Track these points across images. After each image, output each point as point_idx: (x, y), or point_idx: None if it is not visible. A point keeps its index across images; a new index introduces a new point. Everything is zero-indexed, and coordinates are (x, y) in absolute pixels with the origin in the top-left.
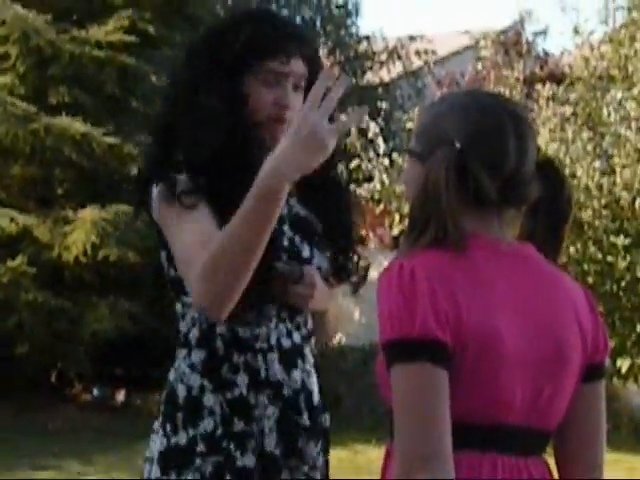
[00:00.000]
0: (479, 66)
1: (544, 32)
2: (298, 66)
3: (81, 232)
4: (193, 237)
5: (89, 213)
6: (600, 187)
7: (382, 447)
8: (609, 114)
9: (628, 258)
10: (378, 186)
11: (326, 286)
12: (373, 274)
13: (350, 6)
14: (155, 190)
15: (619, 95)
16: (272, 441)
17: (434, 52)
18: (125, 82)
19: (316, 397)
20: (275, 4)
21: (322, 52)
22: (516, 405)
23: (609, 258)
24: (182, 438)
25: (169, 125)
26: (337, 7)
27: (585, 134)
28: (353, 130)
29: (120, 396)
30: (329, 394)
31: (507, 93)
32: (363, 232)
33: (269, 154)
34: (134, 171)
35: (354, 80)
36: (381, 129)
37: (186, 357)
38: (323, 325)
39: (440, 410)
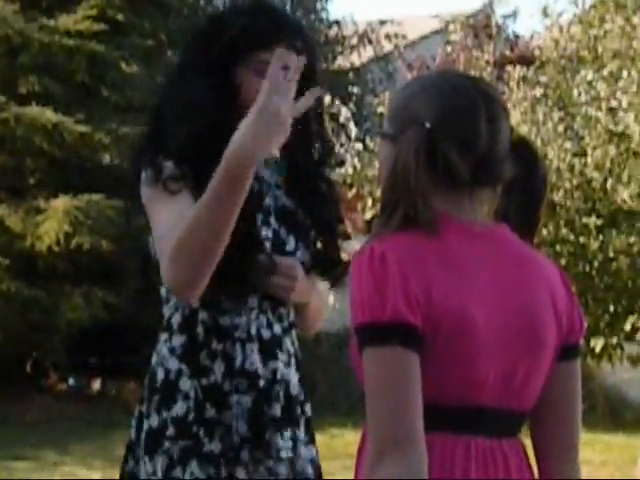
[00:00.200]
0: (449, 49)
1: (514, 14)
2: (291, 58)
3: (53, 221)
4: (168, 219)
5: (61, 202)
6: (571, 168)
7: (358, 431)
8: (579, 95)
9: (600, 238)
10: (350, 170)
11: (310, 280)
12: (347, 258)
13: None
14: (143, 175)
15: (589, 76)
16: (242, 430)
17: (404, 36)
18: (95, 70)
19: (295, 388)
20: None
21: None
22: (489, 386)
23: (581, 239)
24: (154, 421)
25: (159, 114)
26: None
27: (556, 115)
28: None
29: (96, 385)
30: (304, 381)
31: (477, 76)
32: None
33: None
34: (106, 159)
35: (325, 65)
36: (353, 114)
37: (167, 341)
38: (305, 317)
39: (411, 393)
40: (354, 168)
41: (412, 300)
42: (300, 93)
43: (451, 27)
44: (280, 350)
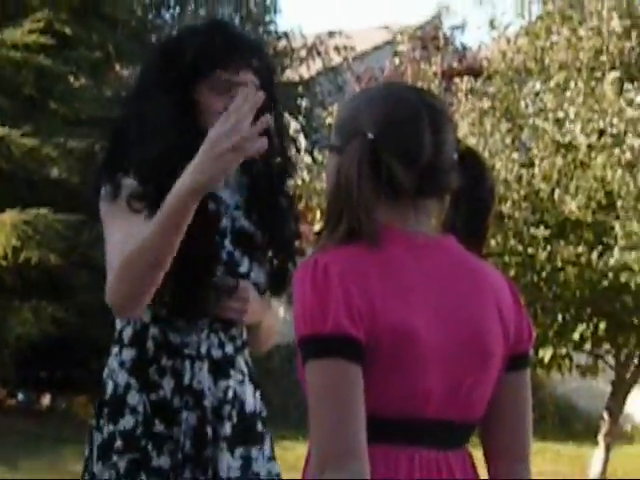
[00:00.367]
0: (397, 61)
1: (462, 26)
2: (248, 77)
3: (1, 235)
4: (122, 236)
5: (8, 216)
6: (519, 179)
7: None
8: (527, 106)
9: (548, 249)
10: (299, 182)
11: (262, 300)
12: None
13: (268, 3)
14: (102, 191)
15: (536, 87)
16: (187, 447)
17: (353, 48)
18: (43, 83)
19: (251, 406)
20: (194, 3)
21: None
22: (434, 399)
23: (529, 250)
24: (105, 433)
25: (120, 133)
26: (255, 4)
27: (503, 127)
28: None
29: (45, 400)
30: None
31: (425, 87)
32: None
33: None
34: (54, 173)
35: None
36: (302, 126)
37: (117, 354)
38: (258, 336)
39: (354, 406)
40: (303, 180)
41: (354, 313)
42: (260, 111)
43: (399, 38)
44: (233, 369)
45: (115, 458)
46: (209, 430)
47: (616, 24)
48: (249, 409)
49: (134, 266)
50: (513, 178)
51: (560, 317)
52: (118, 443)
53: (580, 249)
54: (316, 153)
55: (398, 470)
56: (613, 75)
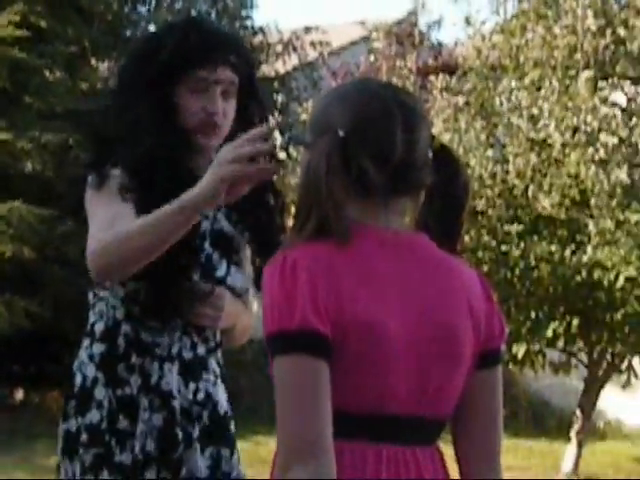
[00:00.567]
0: (372, 57)
1: (437, 23)
2: (226, 74)
3: None
4: (109, 213)
5: None
6: (493, 176)
7: None
8: (501, 103)
9: (522, 245)
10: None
11: (239, 303)
12: None
13: None
14: (89, 180)
15: (511, 85)
16: (148, 447)
17: (329, 44)
18: (17, 77)
19: (222, 407)
20: None
21: None
22: (401, 395)
23: (503, 246)
24: (72, 426)
25: (105, 126)
26: None
27: (478, 124)
28: None
29: (18, 395)
30: (229, 388)
31: (400, 84)
32: None
33: (207, 158)
34: (28, 167)
35: None
36: (277, 121)
37: (88, 347)
38: (232, 336)
39: (319, 402)
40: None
41: (321, 309)
42: (242, 106)
43: (374, 35)
44: (205, 370)
45: (81, 451)
46: (179, 431)
47: (591, 22)
48: (222, 410)
49: (124, 246)
50: (487, 175)
51: (533, 314)
52: (84, 437)
53: (553, 246)
54: (291, 149)
55: (365, 467)
56: (587, 73)
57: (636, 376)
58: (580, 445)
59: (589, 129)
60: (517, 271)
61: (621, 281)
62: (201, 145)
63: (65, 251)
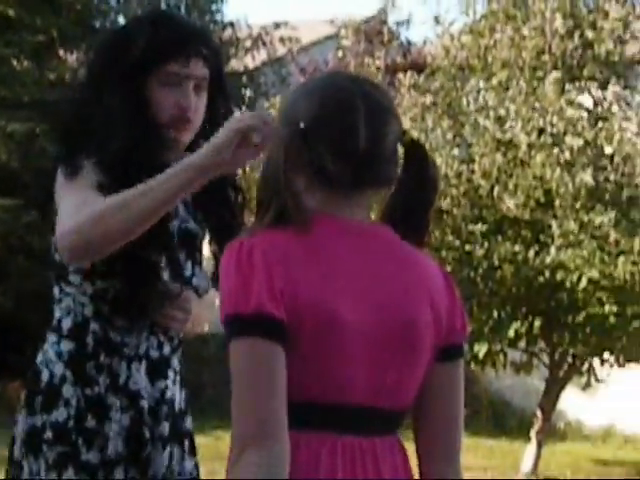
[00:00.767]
0: (340, 54)
1: (407, 21)
2: (198, 68)
3: None
4: (81, 197)
5: None
6: (459, 175)
7: None
8: (468, 103)
9: (486, 245)
10: (239, 172)
11: (202, 304)
12: None
13: None
14: (59, 170)
15: (480, 84)
16: (117, 447)
17: (298, 40)
18: None
19: (178, 404)
20: None
21: None
22: (357, 385)
23: (467, 246)
24: (38, 421)
25: (76, 118)
26: None
27: (445, 123)
28: None
29: None
30: (191, 382)
31: None
32: None
33: (179, 154)
34: None
35: None
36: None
37: (55, 344)
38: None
39: (274, 385)
40: (243, 171)
41: (276, 294)
42: (209, 100)
43: (343, 33)
44: (169, 368)
45: (45, 448)
46: (146, 431)
47: (559, 24)
48: (178, 407)
49: (111, 217)
50: (453, 174)
51: (496, 313)
52: (48, 434)
53: (517, 247)
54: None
55: (320, 457)
56: (555, 75)
57: (596, 378)
58: (540, 445)
59: (555, 131)
60: (480, 271)
61: (584, 283)
62: (172, 140)
63: (29, 241)
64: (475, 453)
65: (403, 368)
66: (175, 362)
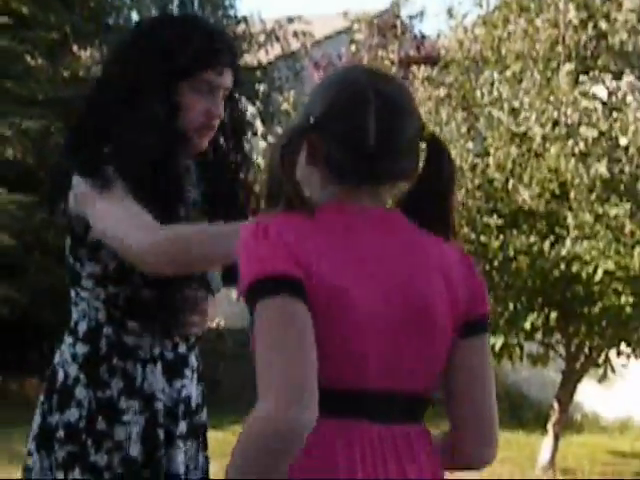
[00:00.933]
0: (353, 48)
1: (420, 14)
2: (228, 78)
3: None
4: (126, 212)
5: None
6: (474, 168)
7: None
8: (482, 96)
9: (501, 238)
10: (255, 168)
11: (214, 302)
12: None
13: None
14: (79, 181)
15: (494, 77)
16: (135, 449)
17: (312, 34)
18: None
19: (194, 400)
20: None
21: None
22: (372, 370)
23: (482, 238)
24: (52, 420)
25: (100, 120)
26: None
27: (459, 116)
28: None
29: None
30: (207, 377)
31: None
32: None
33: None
34: (9, 153)
35: None
36: (259, 111)
37: (71, 345)
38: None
39: (305, 342)
40: (258, 166)
41: (295, 260)
42: (230, 99)
43: (355, 26)
44: (186, 367)
45: (56, 447)
46: (161, 433)
47: (573, 15)
48: (194, 403)
49: (199, 246)
50: (467, 167)
51: (512, 306)
52: (60, 433)
53: (532, 239)
54: (272, 138)
55: (336, 445)
56: (568, 66)
57: (613, 370)
58: (557, 437)
59: (569, 122)
60: (496, 263)
61: (599, 274)
62: (194, 146)
63: (44, 238)
64: None
65: (419, 351)
66: (192, 359)
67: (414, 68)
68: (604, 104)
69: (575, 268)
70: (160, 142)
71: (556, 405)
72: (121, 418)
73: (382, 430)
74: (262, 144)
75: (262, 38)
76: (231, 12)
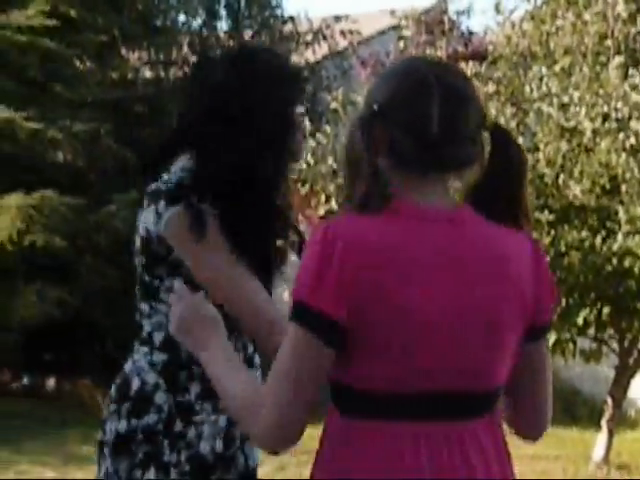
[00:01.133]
0: (401, 45)
1: (467, 11)
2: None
3: (6, 218)
4: (256, 295)
5: (14, 199)
6: None
7: (318, 425)
8: (531, 91)
9: (552, 233)
10: (304, 167)
11: None
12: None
13: None
14: (170, 210)
15: (543, 71)
16: (219, 448)
17: (359, 32)
18: (48, 66)
19: None
20: None
21: (248, 34)
22: (436, 371)
23: (534, 234)
24: (123, 427)
25: (204, 134)
26: None
27: (508, 111)
28: None
29: (50, 383)
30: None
31: None
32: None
33: None
34: (59, 157)
35: None
36: (306, 110)
37: (147, 354)
38: None
39: (307, 383)
40: (307, 164)
41: (343, 292)
42: None
43: (403, 23)
44: (253, 367)
45: (134, 448)
46: (237, 431)
47: (621, 9)
48: None
49: None
50: None
51: (564, 302)
52: (139, 436)
53: (584, 234)
54: (320, 137)
55: (404, 446)
56: (618, 60)
57: None
58: (611, 433)
59: (620, 116)
60: (547, 259)
61: None
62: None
63: (96, 240)
64: (546, 442)
65: (486, 352)
66: (257, 359)
67: (462, 64)
68: None
69: (627, 263)
70: (273, 160)
71: (610, 401)
72: (196, 419)
73: (447, 428)
74: (311, 142)
75: (309, 37)
76: (278, 12)
